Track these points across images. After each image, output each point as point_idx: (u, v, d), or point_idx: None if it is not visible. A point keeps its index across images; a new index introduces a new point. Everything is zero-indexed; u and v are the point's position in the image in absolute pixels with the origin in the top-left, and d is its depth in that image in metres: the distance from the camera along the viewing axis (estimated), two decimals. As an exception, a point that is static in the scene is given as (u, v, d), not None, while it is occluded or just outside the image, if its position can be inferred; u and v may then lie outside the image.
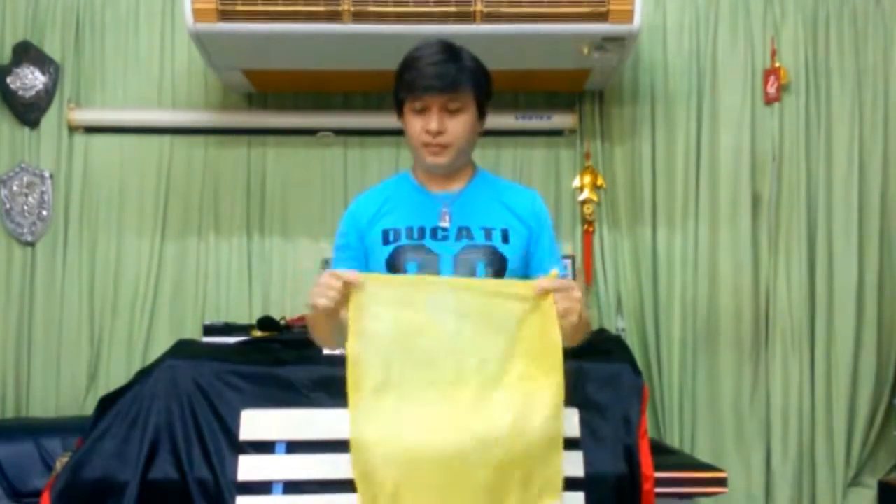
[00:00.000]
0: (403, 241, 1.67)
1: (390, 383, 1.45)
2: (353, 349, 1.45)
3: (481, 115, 1.72)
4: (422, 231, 1.67)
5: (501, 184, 1.80)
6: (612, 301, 3.48)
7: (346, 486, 2.32)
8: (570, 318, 1.45)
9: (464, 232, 1.67)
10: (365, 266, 1.68)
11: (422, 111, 1.65)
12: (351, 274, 1.46)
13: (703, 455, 3.26)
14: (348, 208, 1.79)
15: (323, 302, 1.46)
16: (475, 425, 1.43)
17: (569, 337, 1.49)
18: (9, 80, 3.44)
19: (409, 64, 1.66)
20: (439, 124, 1.63)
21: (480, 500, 1.43)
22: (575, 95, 3.52)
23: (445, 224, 1.68)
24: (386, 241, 1.68)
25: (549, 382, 1.45)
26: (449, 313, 1.46)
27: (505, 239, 1.68)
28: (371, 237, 1.70)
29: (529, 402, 1.45)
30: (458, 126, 1.65)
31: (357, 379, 1.45)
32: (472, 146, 1.74)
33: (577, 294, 1.47)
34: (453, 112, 1.65)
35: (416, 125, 1.66)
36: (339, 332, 1.53)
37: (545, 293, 1.45)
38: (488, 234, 1.67)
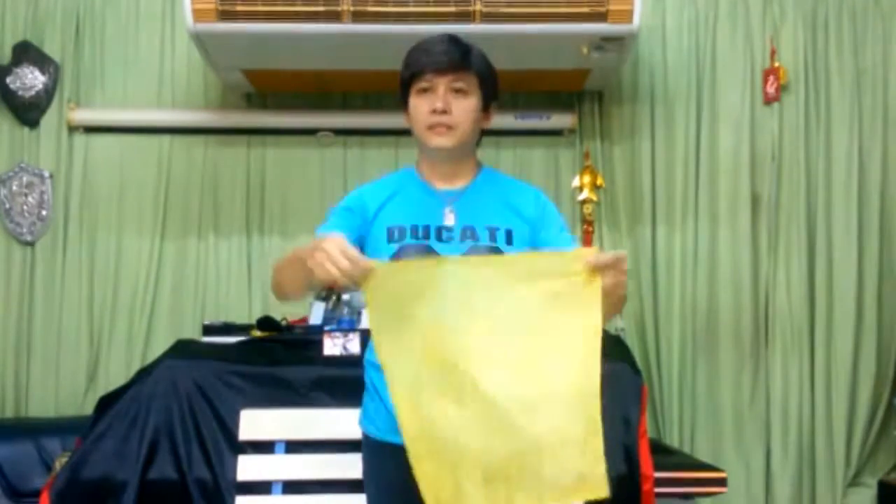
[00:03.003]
0: (408, 239, 1.65)
1: (420, 381, 1.37)
2: (380, 351, 1.40)
3: (485, 109, 1.70)
4: (426, 230, 1.65)
5: (506, 181, 1.78)
6: (612, 301, 3.48)
7: (345, 486, 2.35)
8: (620, 291, 1.40)
9: (468, 232, 1.65)
10: (355, 241, 1.59)
11: (427, 91, 1.64)
12: (369, 262, 1.38)
13: (702, 455, 3.26)
14: (356, 190, 1.75)
15: (336, 273, 1.34)
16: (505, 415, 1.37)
17: (608, 315, 1.44)
18: (9, 79, 3.44)
19: (416, 48, 1.67)
20: (445, 103, 1.62)
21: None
22: (574, 95, 3.52)
23: (450, 223, 1.66)
24: (391, 239, 1.66)
25: (578, 369, 1.41)
26: (470, 293, 1.37)
27: (509, 240, 1.66)
28: (375, 231, 1.68)
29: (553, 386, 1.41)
30: (463, 108, 1.64)
31: (391, 379, 1.39)
32: (476, 138, 1.72)
33: (625, 266, 1.38)
34: (459, 93, 1.64)
35: (422, 107, 1.65)
36: (310, 286, 1.54)
37: (593, 269, 1.36)
38: (492, 234, 1.66)
